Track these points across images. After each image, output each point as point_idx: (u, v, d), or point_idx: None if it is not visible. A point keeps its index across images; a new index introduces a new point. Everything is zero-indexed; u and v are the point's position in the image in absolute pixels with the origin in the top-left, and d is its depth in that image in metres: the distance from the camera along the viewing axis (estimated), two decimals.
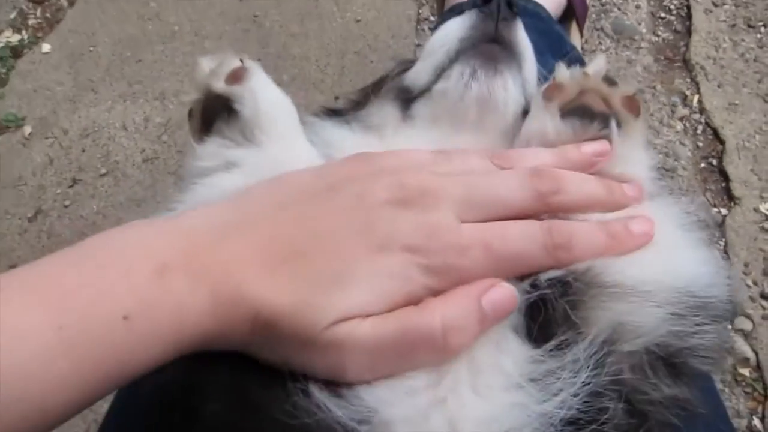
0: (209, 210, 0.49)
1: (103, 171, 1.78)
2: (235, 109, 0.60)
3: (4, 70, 2.04)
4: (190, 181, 0.60)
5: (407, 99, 0.69)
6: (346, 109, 0.77)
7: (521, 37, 0.68)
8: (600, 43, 1.87)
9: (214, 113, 0.62)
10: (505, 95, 0.64)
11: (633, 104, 0.56)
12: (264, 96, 0.61)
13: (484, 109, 0.64)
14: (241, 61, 0.63)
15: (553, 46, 1.26)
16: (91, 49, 2.07)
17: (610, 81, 0.57)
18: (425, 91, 0.68)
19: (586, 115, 0.56)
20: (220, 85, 0.61)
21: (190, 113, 0.65)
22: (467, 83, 0.64)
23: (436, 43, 0.69)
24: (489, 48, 0.66)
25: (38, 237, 1.68)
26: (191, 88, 0.62)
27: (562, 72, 0.59)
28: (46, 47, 2.08)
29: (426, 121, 0.67)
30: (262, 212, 0.49)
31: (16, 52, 2.09)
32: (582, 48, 1.82)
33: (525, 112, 0.68)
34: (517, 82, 0.66)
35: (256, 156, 0.60)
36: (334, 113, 0.76)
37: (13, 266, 1.63)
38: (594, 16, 1.93)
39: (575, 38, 1.47)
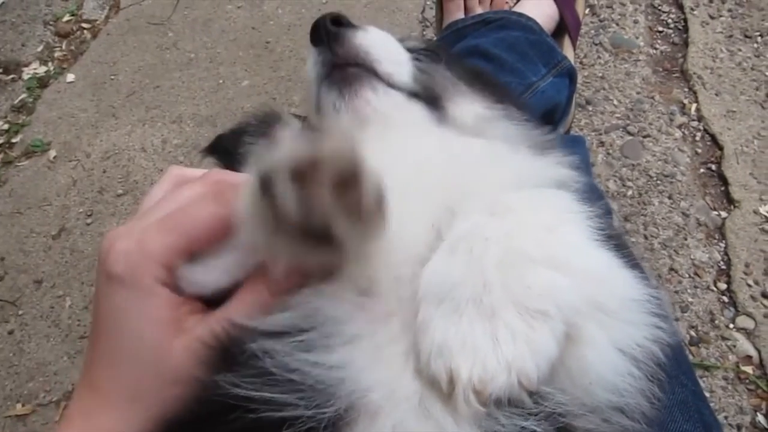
0: None
1: (123, 191, 1.87)
2: None
3: (31, 100, 2.16)
4: None
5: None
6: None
7: (360, 41, 0.69)
8: (599, 57, 1.92)
9: None
10: (373, 104, 0.67)
11: None
12: None
13: (367, 126, 0.66)
14: None
15: (545, 57, 1.32)
16: (113, 77, 2.18)
17: None
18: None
19: None
20: None
21: None
22: (340, 115, 0.67)
23: (307, 84, 0.72)
24: (338, 74, 0.68)
25: (62, 253, 1.76)
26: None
27: None
28: (70, 77, 2.20)
29: None
30: None
31: (43, 82, 2.21)
32: (580, 62, 1.88)
33: (414, 93, 0.70)
34: (377, 85, 0.68)
35: None
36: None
37: (38, 281, 1.71)
38: (593, 32, 1.99)
39: (568, 52, 1.52)
